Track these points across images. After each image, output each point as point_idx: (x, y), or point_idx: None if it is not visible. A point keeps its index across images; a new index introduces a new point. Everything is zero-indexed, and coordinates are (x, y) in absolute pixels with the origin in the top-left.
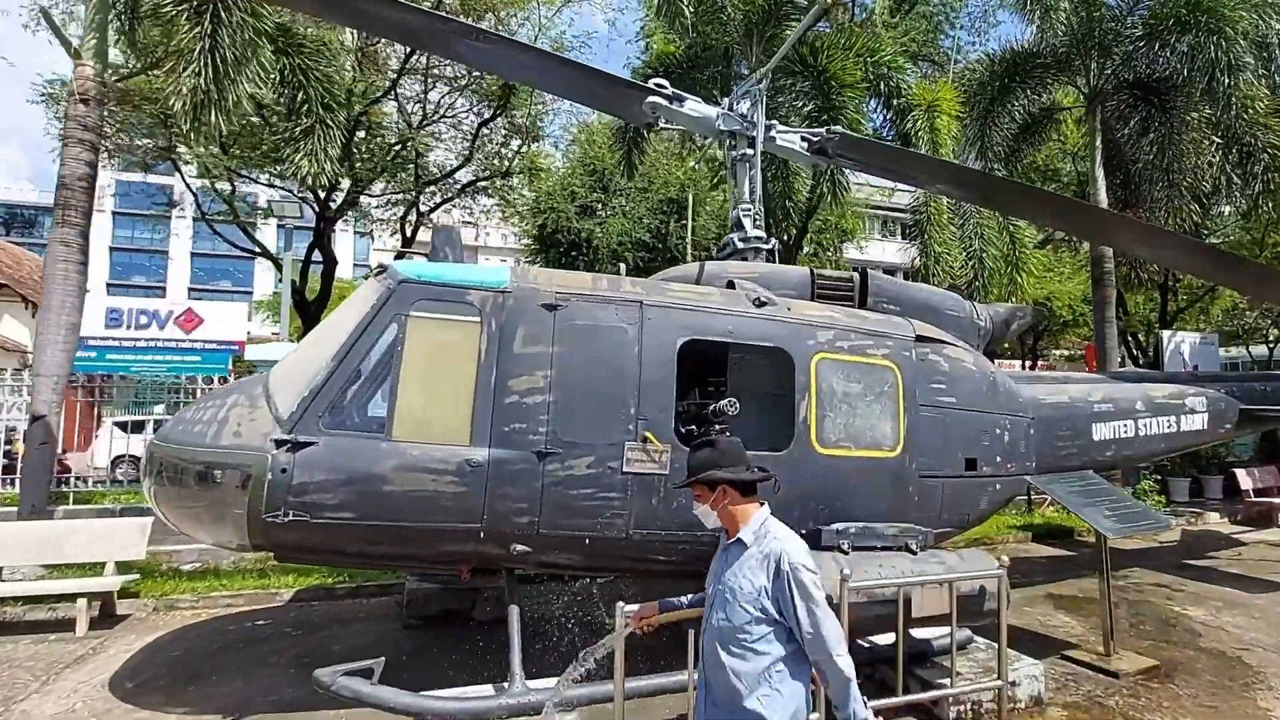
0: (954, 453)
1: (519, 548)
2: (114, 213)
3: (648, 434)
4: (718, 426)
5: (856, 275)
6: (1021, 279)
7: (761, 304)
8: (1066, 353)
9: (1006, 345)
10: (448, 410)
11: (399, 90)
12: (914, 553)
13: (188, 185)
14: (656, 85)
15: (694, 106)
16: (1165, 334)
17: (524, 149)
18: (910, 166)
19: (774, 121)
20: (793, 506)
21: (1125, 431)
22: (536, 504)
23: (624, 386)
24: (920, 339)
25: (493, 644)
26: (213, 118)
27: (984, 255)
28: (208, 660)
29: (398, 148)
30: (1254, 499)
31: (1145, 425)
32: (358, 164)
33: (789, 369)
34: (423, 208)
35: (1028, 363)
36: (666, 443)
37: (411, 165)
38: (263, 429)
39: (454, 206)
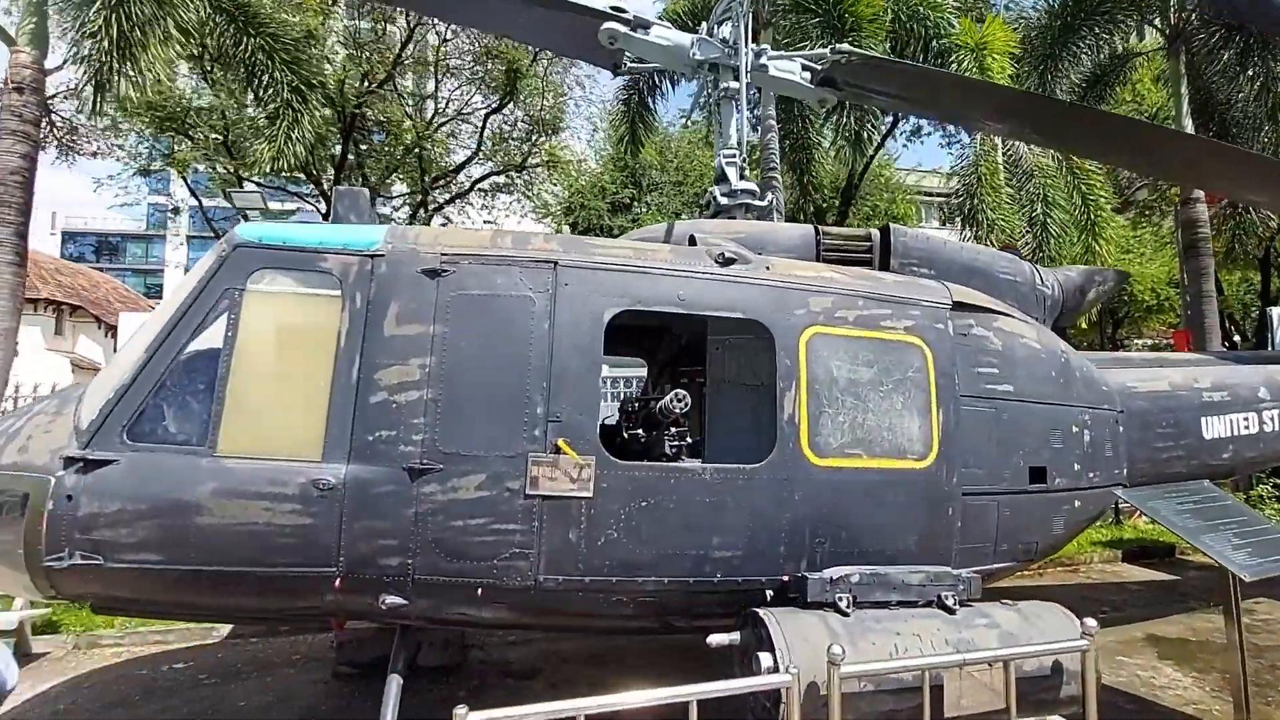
0: (1013, 460)
1: (390, 599)
2: (188, 237)
3: (562, 442)
4: (671, 432)
5: (875, 232)
6: (1100, 247)
7: (727, 261)
8: (1150, 342)
9: (1081, 323)
10: (294, 414)
11: (400, 82)
12: (951, 610)
13: (193, 192)
14: (614, 9)
15: (662, 33)
16: (1274, 311)
17: (540, 140)
18: (945, 92)
19: (764, 46)
20: (770, 541)
21: (1246, 427)
22: (410, 540)
23: (529, 378)
24: (960, 306)
25: (439, 696)
26: (122, 88)
27: (1048, 220)
28: None
29: (408, 142)
30: None
31: (1273, 418)
32: (366, 164)
33: (768, 349)
34: (433, 205)
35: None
36: (589, 455)
37: (415, 160)
38: (54, 443)
39: (467, 204)
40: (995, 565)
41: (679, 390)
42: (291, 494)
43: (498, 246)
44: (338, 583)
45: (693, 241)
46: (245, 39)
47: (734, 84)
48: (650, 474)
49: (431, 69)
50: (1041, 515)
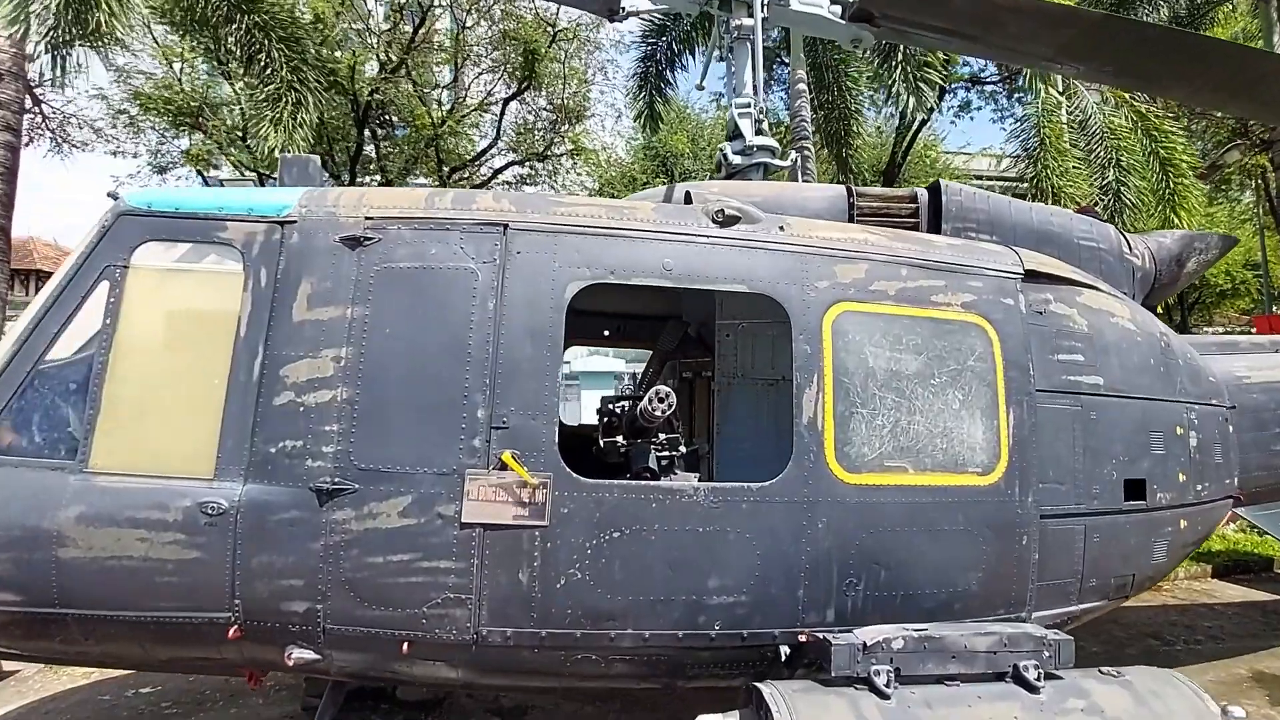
0: (1104, 471)
1: (297, 653)
2: None
3: (508, 456)
4: (658, 440)
5: (922, 191)
6: (1181, 219)
7: (728, 220)
8: (1223, 329)
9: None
10: (182, 420)
11: (415, 71)
12: (1033, 687)
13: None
14: None
15: None
16: None
17: (564, 129)
18: (1006, 22)
19: None
20: (785, 585)
21: None
22: (319, 580)
23: (469, 372)
24: (1034, 276)
25: None
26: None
27: (1122, 189)
28: None
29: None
30: None
31: None
32: (387, 157)
33: (782, 332)
34: None
35: None
36: (545, 471)
37: (434, 151)
38: None
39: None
40: (1081, 606)
41: (660, 388)
42: (174, 520)
43: (434, 207)
44: (233, 631)
45: (689, 200)
46: (239, 15)
47: (747, 20)
48: (625, 496)
49: (448, 56)
50: (1140, 540)
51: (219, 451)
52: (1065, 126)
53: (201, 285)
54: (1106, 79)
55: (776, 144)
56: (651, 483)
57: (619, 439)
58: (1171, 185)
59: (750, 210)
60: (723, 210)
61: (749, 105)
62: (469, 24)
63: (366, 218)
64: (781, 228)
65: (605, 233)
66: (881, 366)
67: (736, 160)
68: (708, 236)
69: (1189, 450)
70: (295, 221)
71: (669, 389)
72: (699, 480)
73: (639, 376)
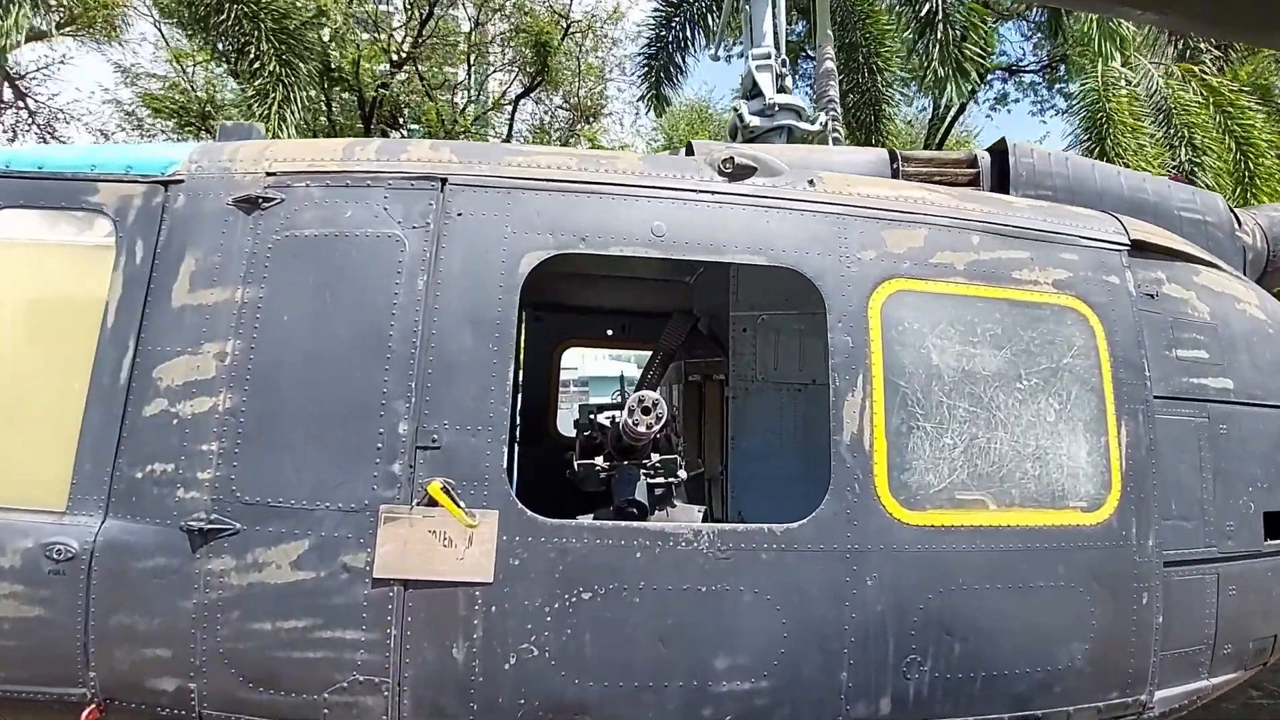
0: (1239, 502)
1: None
2: None
3: (435, 488)
4: (650, 463)
5: (984, 154)
6: (1262, 203)
7: (738, 172)
8: None
9: None
10: (28, 435)
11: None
12: None
13: None
14: None
15: None
16: None
17: (580, 127)
18: None
19: None
20: (823, 664)
21: None
22: (193, 650)
23: (387, 372)
24: (1142, 249)
25: None
26: None
27: (1195, 170)
28: None
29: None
30: None
31: None
32: None
33: (812, 324)
34: None
35: None
36: (489, 507)
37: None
38: None
39: None
40: (1213, 681)
41: (645, 395)
42: (10, 567)
43: (353, 159)
44: (89, 713)
45: (690, 152)
46: (228, 4)
47: None
48: (600, 541)
49: (460, 53)
50: None
51: (74, 477)
52: (1131, 100)
53: (64, 262)
54: (1216, 28)
55: (802, 103)
56: (637, 524)
57: (598, 460)
58: (1251, 166)
59: (769, 160)
60: (732, 160)
61: (769, 57)
62: (480, 19)
63: (268, 173)
64: (811, 182)
65: (574, 188)
66: (949, 365)
67: (755, 122)
68: (712, 192)
69: None
70: (182, 181)
71: (657, 396)
72: (702, 518)
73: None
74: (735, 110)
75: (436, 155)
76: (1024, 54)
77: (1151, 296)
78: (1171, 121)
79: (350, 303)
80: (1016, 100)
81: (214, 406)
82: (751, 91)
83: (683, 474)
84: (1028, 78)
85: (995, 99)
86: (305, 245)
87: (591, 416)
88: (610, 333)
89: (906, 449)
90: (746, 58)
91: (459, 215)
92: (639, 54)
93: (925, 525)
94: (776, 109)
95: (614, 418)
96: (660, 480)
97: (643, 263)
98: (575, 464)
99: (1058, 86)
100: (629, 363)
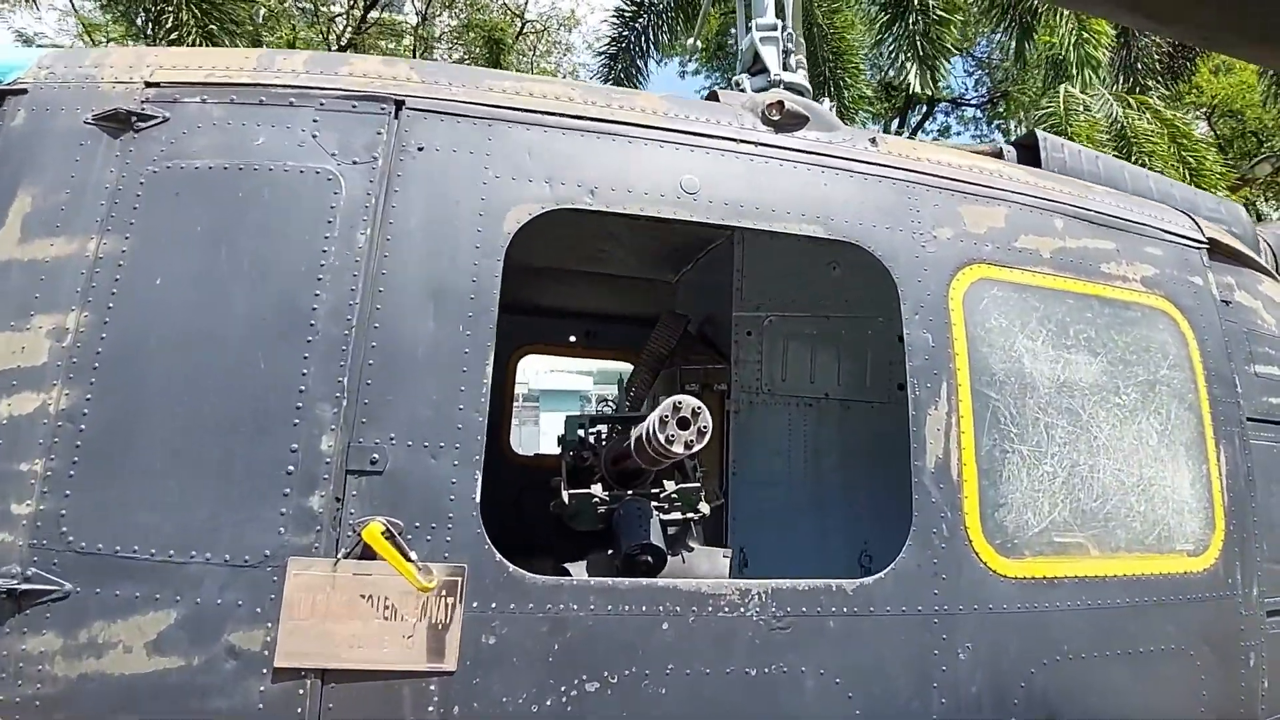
0: None
1: None
2: None
3: (373, 531)
4: (663, 492)
5: (1009, 149)
6: None
7: (787, 120)
8: None
9: None
10: None
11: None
12: None
13: None
14: None
15: None
16: None
17: None
18: None
19: None
20: None
21: None
22: None
23: (306, 362)
24: (1217, 250)
25: None
26: None
27: None
28: None
29: None
30: None
31: None
32: None
33: (830, 324)
34: None
35: None
36: (454, 560)
37: None
38: None
39: None
40: None
41: (682, 400)
42: None
43: (272, 70)
44: None
45: (714, 98)
46: None
47: None
48: (612, 608)
49: (407, 47)
50: None
51: None
52: (1091, 126)
53: None
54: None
55: (808, 84)
56: (663, 581)
57: (595, 489)
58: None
59: (823, 111)
60: (781, 105)
61: (774, 29)
62: (428, 13)
63: (148, 84)
64: (874, 141)
65: (581, 124)
66: (1045, 373)
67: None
68: (757, 144)
69: None
70: (24, 92)
71: (699, 404)
72: (744, 575)
73: (625, 390)
74: (737, 85)
75: (391, 72)
76: (967, 88)
77: (1227, 303)
78: (1131, 149)
79: (256, 263)
80: (959, 133)
81: (42, 407)
82: (753, 65)
83: (705, 508)
84: (969, 111)
85: (939, 130)
86: (195, 181)
87: (583, 432)
88: (574, 339)
89: (1001, 480)
90: (746, 30)
91: (419, 150)
92: (600, 54)
93: (1025, 577)
94: (783, 86)
95: (612, 432)
96: (676, 517)
97: (619, 258)
98: (564, 494)
99: (996, 122)
100: (585, 375)
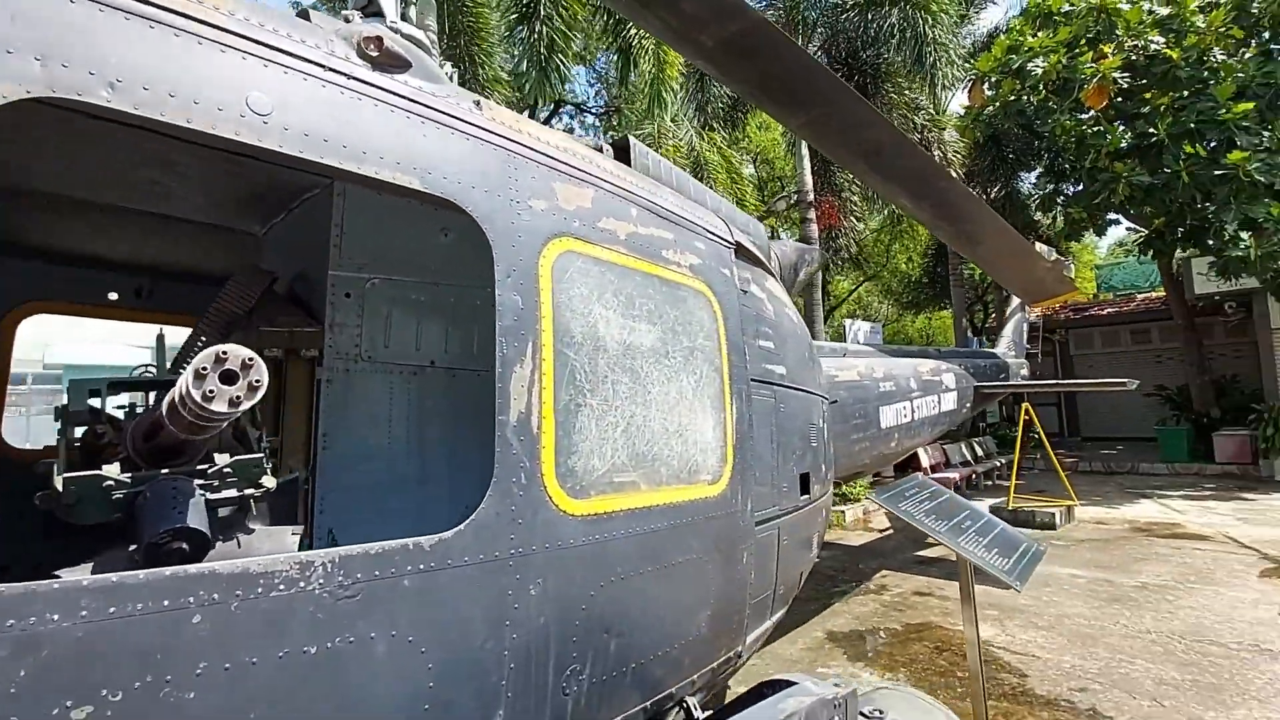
0: (789, 467)
1: None
2: None
3: None
4: (212, 468)
5: (608, 145)
6: None
7: (388, 61)
8: None
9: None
10: None
11: None
12: None
13: None
14: None
15: None
16: (848, 321)
17: None
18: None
19: None
20: (480, 710)
21: (904, 416)
22: None
23: None
24: (741, 252)
25: None
26: None
27: None
28: None
29: None
30: (930, 475)
31: (918, 407)
32: None
33: (438, 291)
34: None
35: None
36: None
37: None
38: None
39: None
40: (774, 618)
41: (228, 347)
42: None
43: None
44: None
45: (305, 17)
46: None
47: None
48: (117, 610)
49: None
50: (805, 536)
51: None
52: (675, 150)
53: None
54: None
55: (428, 40)
56: (193, 569)
57: (108, 471)
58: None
59: (430, 63)
60: (380, 41)
61: None
62: None
63: None
64: (478, 104)
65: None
66: (614, 336)
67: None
68: (351, 77)
69: (823, 441)
70: None
71: (251, 353)
72: (299, 540)
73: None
74: (345, 19)
75: None
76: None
77: (745, 292)
78: (702, 175)
79: None
80: (580, 135)
81: None
82: (368, 8)
83: (269, 482)
84: (590, 119)
85: (565, 130)
86: None
87: (98, 401)
88: (115, 296)
89: (574, 429)
90: None
91: None
92: None
93: (589, 514)
94: (400, 38)
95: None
96: (231, 495)
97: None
98: (58, 480)
99: (611, 133)
100: (123, 346)
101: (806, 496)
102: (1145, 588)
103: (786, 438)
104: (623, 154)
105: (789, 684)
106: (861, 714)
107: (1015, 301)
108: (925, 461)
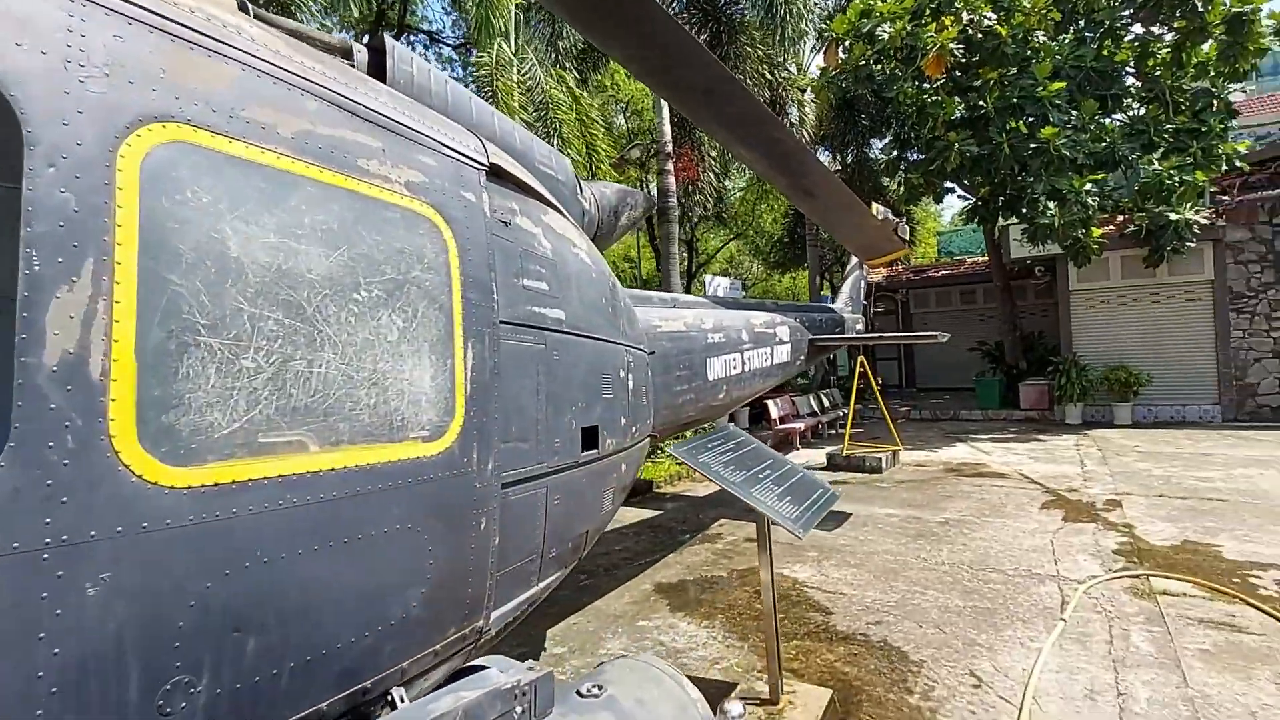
0: (564, 421)
1: None
2: None
3: None
4: None
5: (361, 48)
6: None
7: None
8: None
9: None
10: None
11: None
12: None
13: None
14: None
15: None
16: (707, 278)
17: None
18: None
19: None
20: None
21: (734, 368)
22: None
23: None
24: (499, 176)
25: None
26: None
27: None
28: None
29: None
30: (779, 426)
31: (749, 359)
32: None
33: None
34: None
35: None
36: None
37: None
38: None
39: None
40: (543, 584)
41: None
42: None
43: None
44: None
45: None
46: None
47: None
48: None
49: None
50: (591, 496)
51: None
52: (519, 84)
53: None
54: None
55: None
56: None
57: None
58: (592, 169)
59: None
60: None
61: None
62: None
63: None
64: None
65: None
66: (260, 259)
67: None
68: None
69: (629, 394)
70: None
71: None
72: None
73: None
74: None
75: None
76: (445, 27)
77: (505, 224)
78: (547, 114)
79: None
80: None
81: None
82: None
83: None
84: (446, 50)
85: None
86: None
87: None
88: None
89: (178, 376)
90: None
91: None
92: None
93: (205, 485)
94: None
95: None
96: None
97: None
98: None
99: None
100: None
101: (594, 451)
102: (947, 523)
103: (562, 388)
104: (379, 57)
105: (483, 669)
106: (578, 692)
107: (854, 260)
108: (775, 413)
